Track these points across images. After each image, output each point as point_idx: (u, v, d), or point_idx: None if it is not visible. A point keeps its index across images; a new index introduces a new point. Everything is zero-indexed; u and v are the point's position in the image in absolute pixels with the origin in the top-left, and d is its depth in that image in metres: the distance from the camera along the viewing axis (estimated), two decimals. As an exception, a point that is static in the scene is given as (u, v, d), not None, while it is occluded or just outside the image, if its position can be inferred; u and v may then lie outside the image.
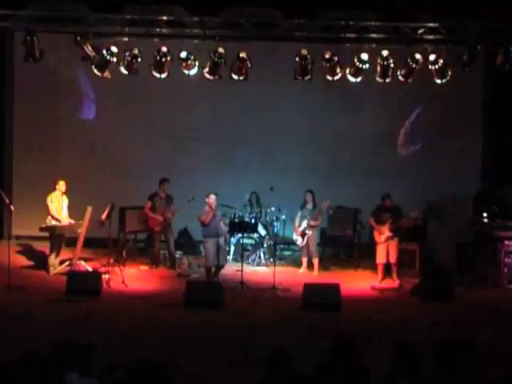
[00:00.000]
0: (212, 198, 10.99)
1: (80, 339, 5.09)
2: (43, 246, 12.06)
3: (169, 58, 11.28)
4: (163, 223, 11.93)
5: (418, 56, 11.19)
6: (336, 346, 4.91)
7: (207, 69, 11.46)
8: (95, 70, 11.46)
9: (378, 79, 11.58)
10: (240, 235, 12.14)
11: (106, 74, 11.56)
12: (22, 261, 12.15)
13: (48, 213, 11.33)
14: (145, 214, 12.08)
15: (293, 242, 12.35)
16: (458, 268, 11.82)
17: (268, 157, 13.93)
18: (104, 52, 11.22)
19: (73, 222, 11.53)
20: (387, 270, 11.36)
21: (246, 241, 12.28)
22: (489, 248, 11.58)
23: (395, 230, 11.19)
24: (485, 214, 12.07)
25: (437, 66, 11.26)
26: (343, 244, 13.18)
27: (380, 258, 11.27)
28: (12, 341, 7.60)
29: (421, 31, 11.34)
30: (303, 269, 12.13)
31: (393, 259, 11.23)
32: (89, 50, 11.20)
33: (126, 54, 11.29)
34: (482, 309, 9.81)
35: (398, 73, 11.54)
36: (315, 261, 11.96)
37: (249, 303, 9.86)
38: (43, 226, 11.33)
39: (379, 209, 11.38)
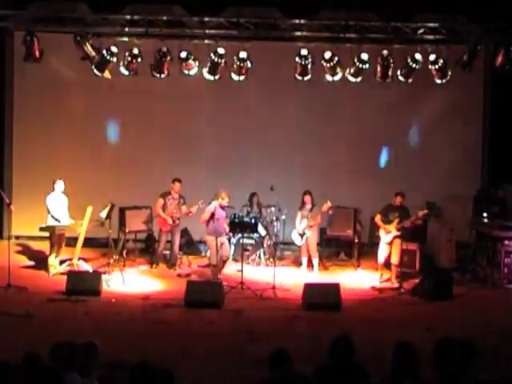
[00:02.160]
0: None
1: (80, 339, 5.08)
2: (43, 246, 12.06)
3: (169, 58, 11.29)
4: (172, 224, 11.90)
5: (417, 56, 11.20)
6: (336, 347, 4.91)
7: (207, 69, 11.47)
8: (95, 70, 11.46)
9: (378, 79, 11.59)
10: (240, 235, 12.13)
11: (106, 73, 11.56)
12: (22, 261, 12.15)
13: (48, 213, 11.32)
14: (154, 212, 12.08)
15: (293, 242, 12.34)
16: (458, 268, 11.82)
17: (268, 157, 13.93)
18: (104, 52, 11.23)
19: (73, 221, 11.53)
20: (387, 269, 11.35)
21: (246, 241, 12.26)
22: (489, 248, 11.57)
23: (402, 230, 11.15)
24: (485, 214, 12.06)
25: (437, 66, 11.27)
26: (343, 244, 13.17)
27: (381, 258, 11.24)
28: (12, 341, 7.60)
29: (421, 31, 11.35)
30: (303, 269, 12.12)
31: (395, 260, 11.18)
32: (89, 50, 11.21)
33: (126, 53, 11.30)
34: (482, 309, 9.81)
35: (398, 73, 11.55)
36: (315, 261, 11.95)
37: (249, 303, 9.86)
38: (43, 225, 11.33)
39: (388, 208, 11.30)
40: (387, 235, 11.13)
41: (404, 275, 11.26)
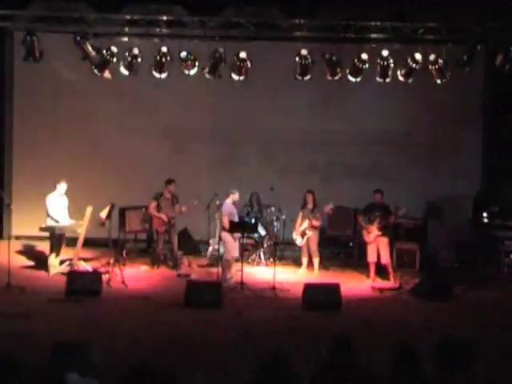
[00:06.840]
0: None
1: (80, 339, 5.08)
2: (43, 246, 12.06)
3: (169, 58, 11.29)
4: (167, 224, 11.88)
5: (417, 56, 11.21)
6: (336, 347, 4.91)
7: (207, 69, 11.48)
8: (95, 70, 11.46)
9: (378, 79, 11.59)
10: (240, 235, 12.11)
11: (106, 73, 11.57)
12: (22, 261, 12.14)
13: (47, 212, 11.32)
14: (149, 214, 12.07)
15: (293, 242, 12.35)
16: (458, 268, 11.82)
17: (268, 157, 13.93)
18: (104, 52, 11.23)
19: (73, 221, 11.52)
20: (379, 268, 11.36)
21: (246, 241, 12.26)
22: (489, 248, 11.57)
23: (384, 229, 11.21)
24: (485, 214, 12.07)
25: (437, 66, 11.28)
26: (343, 244, 13.18)
27: (370, 257, 11.32)
28: (12, 341, 7.59)
29: (421, 31, 11.34)
30: (303, 269, 12.12)
31: (385, 260, 11.24)
32: (89, 50, 11.21)
33: (126, 53, 11.31)
34: (482, 309, 9.82)
35: (398, 73, 11.56)
36: (315, 261, 11.95)
37: (249, 303, 9.85)
38: (43, 226, 11.33)
39: (368, 207, 11.41)
40: (369, 235, 11.21)
41: (404, 275, 11.29)
